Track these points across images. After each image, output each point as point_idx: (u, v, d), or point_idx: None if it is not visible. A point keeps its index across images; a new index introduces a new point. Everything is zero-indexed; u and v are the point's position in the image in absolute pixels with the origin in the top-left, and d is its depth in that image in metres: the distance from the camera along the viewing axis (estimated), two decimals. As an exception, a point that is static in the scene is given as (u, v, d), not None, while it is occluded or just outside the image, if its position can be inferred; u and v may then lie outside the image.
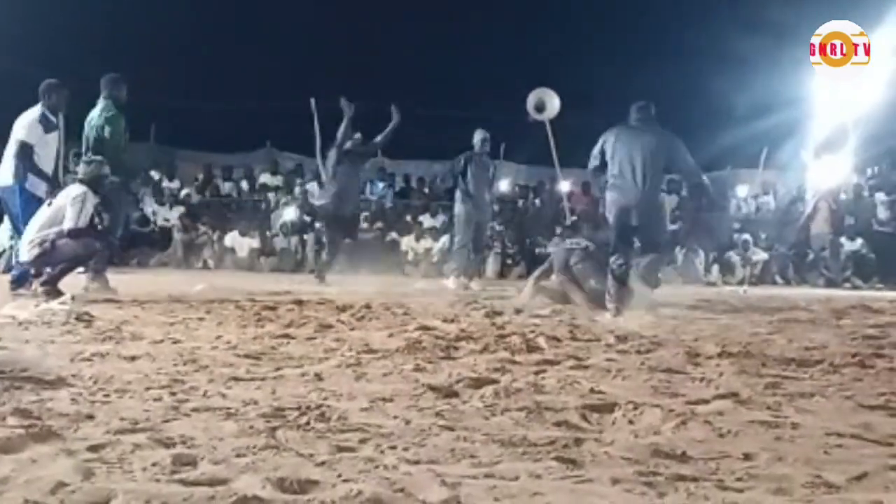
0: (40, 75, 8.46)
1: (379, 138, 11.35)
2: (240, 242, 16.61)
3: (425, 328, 5.52)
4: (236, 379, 3.53)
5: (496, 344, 4.82)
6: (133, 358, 4.02)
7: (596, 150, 7.70)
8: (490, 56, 19.48)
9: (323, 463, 2.25)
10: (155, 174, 18.03)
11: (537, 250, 15.71)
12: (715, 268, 15.74)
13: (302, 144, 18.38)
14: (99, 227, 8.33)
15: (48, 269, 7.57)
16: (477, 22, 20.74)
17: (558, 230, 15.63)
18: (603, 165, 7.66)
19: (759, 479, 2.18)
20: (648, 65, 19.01)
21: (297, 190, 18.05)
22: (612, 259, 7.49)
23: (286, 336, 5.04)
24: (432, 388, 3.34)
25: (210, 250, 16.62)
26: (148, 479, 2.08)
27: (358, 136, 11.20)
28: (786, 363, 4.33)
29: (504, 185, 18.37)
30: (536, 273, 9.26)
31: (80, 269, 8.07)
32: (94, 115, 8.53)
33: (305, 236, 16.81)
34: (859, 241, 16.17)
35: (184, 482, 2.04)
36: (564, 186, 17.28)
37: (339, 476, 2.12)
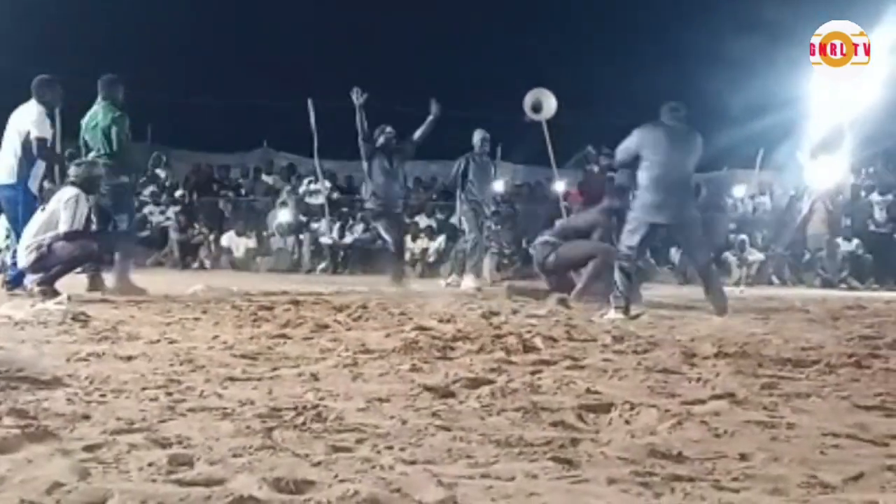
0: (35, 73, 8.45)
1: (417, 134, 10.99)
2: (236, 242, 16.62)
3: (422, 328, 5.51)
4: (233, 379, 3.53)
5: (493, 344, 4.82)
6: (129, 358, 4.02)
7: (631, 146, 7.63)
8: (487, 56, 19.49)
9: (319, 463, 2.25)
10: (161, 172, 18.02)
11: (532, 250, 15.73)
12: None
13: (299, 144, 18.37)
14: (96, 227, 8.35)
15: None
16: (474, 22, 20.75)
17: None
18: (632, 161, 7.67)
19: (755, 480, 2.19)
20: (645, 65, 19.04)
21: (287, 190, 18.05)
22: (624, 255, 7.50)
23: (283, 336, 5.04)
24: (429, 389, 3.33)
25: (206, 250, 16.63)
26: (144, 479, 2.08)
27: (390, 129, 10.89)
28: (782, 363, 4.33)
29: (500, 186, 18.37)
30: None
31: (78, 269, 8.08)
32: (98, 118, 8.49)
33: (301, 236, 16.82)
34: (856, 241, 16.19)
35: (180, 482, 2.04)
36: (560, 186, 17.28)
37: (336, 476, 2.12)
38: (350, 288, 9.95)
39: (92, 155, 8.40)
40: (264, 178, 19.28)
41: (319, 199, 17.46)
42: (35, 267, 7.57)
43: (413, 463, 2.27)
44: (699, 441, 2.61)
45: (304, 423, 2.70)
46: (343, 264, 16.14)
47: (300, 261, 16.47)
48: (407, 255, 16.32)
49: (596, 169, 11.51)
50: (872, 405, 3.26)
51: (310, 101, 16.53)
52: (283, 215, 17.23)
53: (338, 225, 16.95)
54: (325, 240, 16.64)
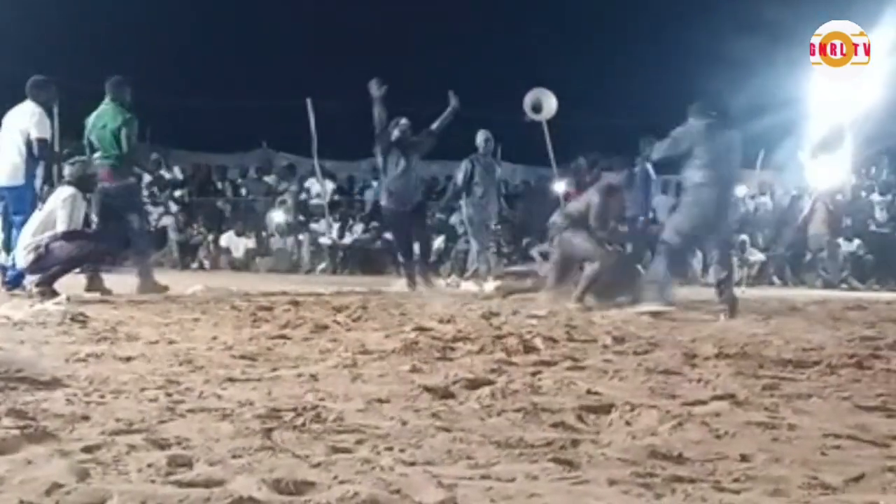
0: (33, 74, 8.46)
1: (435, 126, 10.30)
2: (235, 243, 16.60)
3: (422, 329, 5.51)
4: (232, 380, 3.52)
5: (493, 345, 4.81)
6: (128, 359, 4.01)
7: (681, 141, 7.57)
8: (487, 56, 19.49)
9: (319, 464, 2.24)
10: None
11: (532, 250, 15.72)
12: (712, 269, 15.73)
13: (298, 145, 18.36)
14: (103, 227, 8.40)
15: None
16: (474, 21, 20.75)
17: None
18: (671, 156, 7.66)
19: (755, 481, 2.18)
20: (646, 66, 19.04)
21: (287, 191, 18.04)
22: (671, 254, 7.51)
23: (282, 337, 5.04)
24: (428, 390, 3.33)
25: (205, 251, 16.62)
26: (143, 480, 2.07)
27: (405, 121, 10.21)
28: (783, 364, 4.33)
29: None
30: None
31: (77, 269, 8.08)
32: (107, 119, 8.52)
33: (301, 237, 16.81)
34: (857, 242, 16.18)
35: (179, 483, 2.04)
36: (560, 187, 17.26)
37: (335, 477, 2.11)
38: (350, 288, 9.94)
39: (98, 155, 8.44)
40: (264, 178, 19.28)
41: (319, 200, 17.46)
42: (34, 267, 7.56)
43: (413, 464, 2.27)
44: (700, 442, 2.60)
45: (303, 424, 2.69)
46: (343, 265, 16.12)
47: (300, 261, 16.46)
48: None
49: (588, 178, 11.50)
50: (873, 406, 3.26)
51: (309, 102, 16.53)
52: (283, 216, 17.22)
53: (337, 225, 16.94)
54: (324, 240, 16.64)
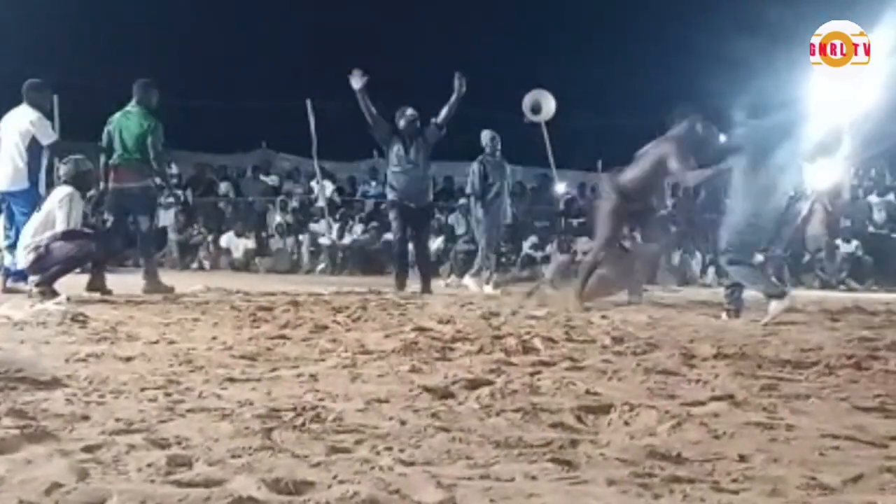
0: (33, 74, 8.49)
1: (441, 115, 9.74)
2: (235, 243, 16.62)
3: (421, 329, 5.51)
4: (232, 380, 3.53)
5: (492, 345, 4.82)
6: (128, 359, 4.02)
7: (742, 145, 7.55)
8: (486, 57, 19.49)
9: (318, 464, 2.25)
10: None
11: (529, 251, 15.74)
12: (711, 269, 15.75)
13: (298, 145, 18.37)
14: (114, 226, 8.48)
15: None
16: (473, 21, 20.76)
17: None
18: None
19: (754, 481, 2.18)
20: (645, 66, 19.05)
21: (287, 191, 18.06)
22: (747, 258, 7.53)
23: (282, 337, 5.04)
24: (428, 390, 3.33)
25: (205, 251, 16.63)
26: (143, 479, 2.08)
27: (411, 112, 9.72)
28: (781, 365, 4.33)
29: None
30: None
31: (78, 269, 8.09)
32: (132, 122, 8.59)
33: (301, 237, 16.82)
34: (855, 243, 16.19)
35: (179, 483, 2.04)
36: (560, 188, 17.30)
37: (335, 477, 2.12)
38: (349, 289, 9.94)
39: (118, 154, 8.52)
40: (263, 178, 19.29)
41: (319, 201, 17.48)
42: (34, 268, 7.57)
43: (412, 464, 2.27)
44: (698, 442, 2.61)
45: (303, 424, 2.69)
46: (342, 265, 16.13)
47: (299, 261, 16.47)
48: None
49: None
50: (871, 407, 3.26)
51: (308, 102, 16.55)
52: (283, 216, 17.24)
53: (337, 226, 16.95)
54: (324, 240, 16.65)
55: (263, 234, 17.08)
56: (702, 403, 3.24)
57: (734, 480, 2.19)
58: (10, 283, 8.16)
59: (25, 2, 14.87)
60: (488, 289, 10.69)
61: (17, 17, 14.02)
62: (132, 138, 8.52)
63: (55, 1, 16.18)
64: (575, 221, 16.16)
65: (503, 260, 15.76)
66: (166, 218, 16.35)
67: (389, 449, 2.42)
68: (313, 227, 17.12)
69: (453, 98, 9.57)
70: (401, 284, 9.87)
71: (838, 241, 16.15)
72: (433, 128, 9.78)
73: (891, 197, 17.76)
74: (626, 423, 2.87)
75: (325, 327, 5.68)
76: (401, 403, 3.10)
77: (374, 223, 16.73)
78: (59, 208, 7.59)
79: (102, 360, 3.98)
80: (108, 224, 8.86)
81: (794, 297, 7.24)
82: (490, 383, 3.53)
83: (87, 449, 2.32)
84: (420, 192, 9.88)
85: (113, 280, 8.48)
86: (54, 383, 3.27)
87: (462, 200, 18.16)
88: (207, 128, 18.49)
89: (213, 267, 16.05)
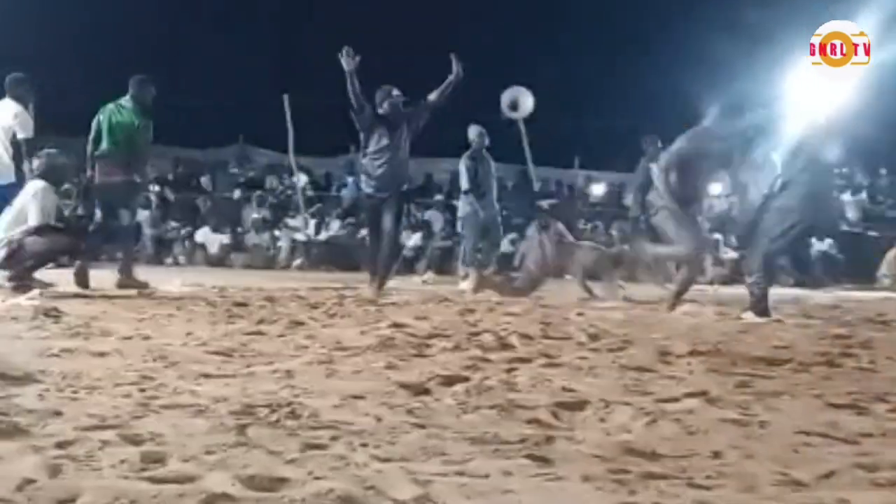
0: (8, 70, 8.44)
1: (433, 97, 8.79)
2: (211, 238, 16.53)
3: (397, 325, 5.51)
4: (206, 376, 3.51)
5: (468, 342, 4.82)
6: (102, 354, 3.99)
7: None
8: (464, 53, 19.47)
9: (293, 460, 2.24)
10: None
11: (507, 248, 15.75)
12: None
13: (275, 140, 18.31)
14: (101, 221, 8.46)
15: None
16: (452, 20, 20.74)
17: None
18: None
19: (728, 477, 2.20)
20: (625, 66, 19.11)
21: (263, 186, 18.00)
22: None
23: (257, 333, 5.02)
24: (404, 386, 3.33)
25: (180, 246, 16.53)
26: (116, 476, 2.06)
27: (397, 93, 8.82)
28: (755, 362, 4.36)
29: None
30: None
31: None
32: (124, 117, 8.56)
33: (277, 232, 16.76)
34: (829, 241, 16.33)
35: (152, 480, 2.03)
36: (537, 186, 17.33)
37: (310, 474, 2.11)
38: (326, 285, 9.92)
39: (105, 148, 8.49)
40: (239, 173, 19.20)
41: (295, 196, 17.43)
42: (8, 263, 7.50)
43: (388, 460, 2.27)
44: (673, 439, 2.62)
45: (278, 421, 2.68)
46: (318, 261, 16.09)
47: (275, 257, 16.42)
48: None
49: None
50: (844, 404, 3.29)
51: (285, 97, 16.49)
52: (258, 211, 17.17)
53: (313, 221, 16.91)
54: (300, 236, 16.60)
55: (239, 230, 17.01)
56: (676, 400, 3.26)
57: (708, 477, 2.20)
58: None
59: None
60: (465, 285, 10.69)
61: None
62: (121, 133, 8.51)
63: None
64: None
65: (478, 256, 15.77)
66: (141, 213, 16.25)
67: (365, 445, 2.41)
68: (289, 222, 17.07)
69: (449, 80, 8.70)
70: (380, 283, 8.84)
71: (812, 240, 16.27)
72: (422, 109, 8.87)
73: (863, 196, 17.93)
74: (602, 420, 2.88)
75: (301, 323, 5.66)
76: (377, 400, 3.09)
77: (351, 219, 16.70)
78: (32, 202, 7.53)
79: (76, 355, 3.95)
80: (96, 218, 8.82)
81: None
82: (466, 380, 3.54)
83: (60, 445, 2.30)
84: (396, 179, 8.87)
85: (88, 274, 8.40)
86: (27, 379, 3.23)
87: (438, 196, 18.18)
88: (184, 122, 18.37)
89: (189, 262, 15.96)
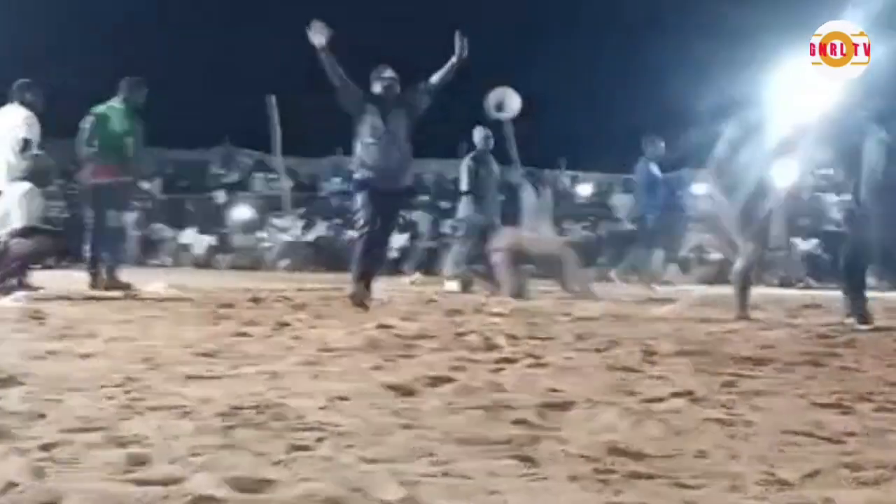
0: None
1: (434, 78, 7.77)
2: (197, 239, 16.49)
3: (384, 326, 5.50)
4: (192, 377, 3.50)
5: (455, 342, 4.82)
6: (87, 356, 3.97)
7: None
8: (448, 53, 19.47)
9: (279, 462, 2.23)
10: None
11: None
12: (673, 267, 15.87)
13: (261, 141, 18.25)
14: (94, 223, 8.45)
15: None
16: (433, 18, 20.73)
17: None
18: None
19: (713, 477, 2.20)
20: (609, 66, 19.15)
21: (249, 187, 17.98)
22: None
23: (243, 334, 5.01)
24: (390, 387, 3.33)
25: (166, 247, 16.49)
26: (101, 478, 2.05)
27: (389, 73, 7.80)
28: (741, 362, 4.37)
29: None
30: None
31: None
32: (114, 119, 8.58)
33: (264, 233, 16.74)
34: (813, 241, 16.41)
35: (137, 482, 2.02)
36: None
37: (296, 475, 2.11)
38: (312, 285, 9.90)
39: (95, 150, 8.51)
40: (225, 174, 19.16)
41: (281, 196, 17.41)
42: (-6, 266, 7.46)
43: (374, 461, 2.27)
44: (659, 439, 2.63)
45: (264, 422, 2.68)
46: (305, 262, 16.06)
47: (262, 258, 16.38)
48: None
49: None
50: (829, 403, 3.30)
51: (272, 98, 16.45)
52: (244, 212, 17.13)
53: (300, 222, 16.89)
54: (286, 237, 16.58)
55: (225, 231, 16.96)
56: (662, 400, 3.27)
57: (694, 476, 2.21)
58: None
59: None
60: (452, 285, 10.71)
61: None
62: (112, 136, 8.54)
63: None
64: None
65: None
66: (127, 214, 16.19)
67: (351, 446, 2.41)
68: (276, 223, 17.04)
69: (452, 61, 7.74)
70: (366, 286, 7.63)
71: (797, 240, 16.36)
72: (421, 92, 7.84)
73: (848, 196, 17.98)
74: (588, 420, 2.89)
75: (288, 324, 5.65)
76: (363, 401, 3.09)
77: (338, 220, 16.68)
78: (17, 204, 7.49)
79: (60, 357, 3.93)
80: (87, 221, 8.81)
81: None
82: (453, 380, 3.54)
83: (45, 447, 2.29)
84: (398, 171, 7.73)
85: (71, 277, 8.39)
86: (11, 381, 3.22)
87: (424, 197, 18.15)
88: (170, 123, 18.32)
89: (175, 263, 15.92)
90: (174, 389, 3.21)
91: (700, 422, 2.87)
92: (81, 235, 8.89)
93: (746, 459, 2.39)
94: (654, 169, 12.59)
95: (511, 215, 11.67)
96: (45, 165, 8.04)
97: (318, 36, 7.46)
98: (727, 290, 7.66)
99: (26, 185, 7.60)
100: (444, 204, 17.03)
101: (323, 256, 16.04)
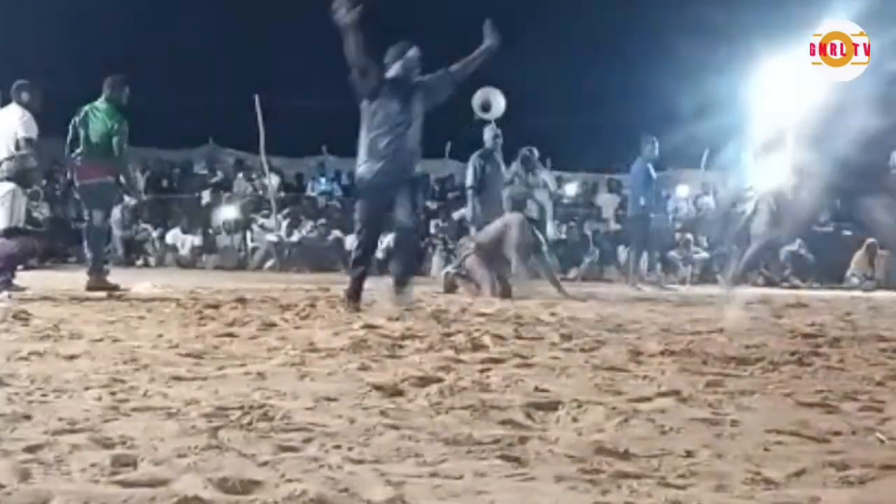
0: None
1: (457, 66, 7.18)
2: (182, 240, 16.46)
3: (370, 327, 5.50)
4: (178, 378, 3.48)
5: (441, 342, 4.82)
6: (72, 357, 3.95)
7: None
8: (435, 54, 19.47)
9: (266, 463, 2.22)
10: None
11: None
12: (658, 267, 15.93)
13: (246, 141, 18.22)
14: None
15: None
16: (417, 20, 20.72)
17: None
18: None
19: (699, 476, 2.21)
20: (593, 66, 19.19)
21: (234, 188, 17.93)
22: None
23: (229, 335, 5.00)
24: (377, 387, 3.32)
25: (151, 247, 16.44)
26: (86, 480, 2.04)
27: (413, 52, 7.05)
28: (726, 361, 4.38)
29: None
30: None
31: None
32: (98, 118, 8.58)
33: (248, 234, 16.71)
34: (798, 241, 16.48)
35: (123, 483, 2.01)
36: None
37: (283, 476, 2.10)
38: (298, 286, 9.88)
39: (81, 151, 8.52)
40: (210, 174, 19.10)
41: (266, 197, 17.38)
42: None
43: (361, 462, 2.26)
44: (645, 438, 2.63)
45: (250, 423, 2.67)
46: (290, 262, 16.04)
47: (247, 258, 16.35)
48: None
49: None
50: (814, 402, 3.31)
51: (257, 98, 16.42)
52: (229, 212, 17.09)
53: (285, 222, 16.86)
54: (271, 237, 16.55)
55: (210, 231, 16.92)
56: (648, 400, 3.27)
57: (680, 476, 2.21)
58: None
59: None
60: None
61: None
62: (97, 135, 8.56)
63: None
64: None
65: (452, 257, 15.79)
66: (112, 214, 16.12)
67: (338, 447, 2.40)
68: (261, 222, 17.01)
69: (482, 49, 7.13)
70: (355, 296, 7.17)
71: (782, 240, 16.42)
72: (443, 82, 7.16)
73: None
74: (575, 420, 2.89)
75: (273, 325, 5.64)
76: (350, 401, 3.09)
77: (323, 220, 16.66)
78: (0, 205, 7.45)
79: (45, 358, 3.91)
80: (85, 221, 8.84)
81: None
82: (439, 381, 3.53)
83: (29, 449, 2.27)
84: (409, 163, 7.05)
85: (55, 277, 8.34)
86: (-5, 382, 3.20)
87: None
88: (154, 123, 18.26)
89: (159, 264, 15.87)
90: (160, 390, 3.20)
91: (686, 421, 2.87)
92: (65, 236, 8.90)
93: (732, 459, 2.40)
94: (651, 170, 12.65)
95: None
96: (30, 166, 8.01)
97: (343, 12, 6.70)
98: (713, 290, 7.67)
99: (9, 186, 7.57)
100: (431, 204, 17.06)
101: (308, 257, 16.03)
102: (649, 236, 13.18)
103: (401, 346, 4.65)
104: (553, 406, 3.06)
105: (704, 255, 16.54)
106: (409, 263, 7.27)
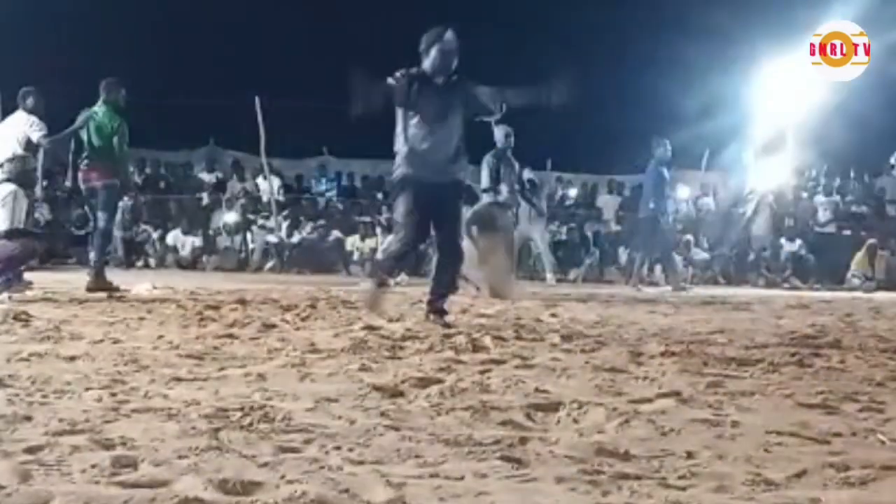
0: None
1: (511, 94, 6.76)
2: (182, 241, 16.44)
3: (371, 328, 5.49)
4: (178, 379, 3.48)
5: (442, 343, 4.82)
6: (72, 358, 3.95)
7: None
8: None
9: (266, 464, 2.23)
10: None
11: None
12: (658, 268, 15.92)
13: (246, 142, 18.20)
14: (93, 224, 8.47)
15: None
16: (420, 21, 20.71)
17: None
18: None
19: (700, 477, 2.21)
20: (595, 68, 19.16)
21: (234, 189, 17.93)
22: None
23: (229, 336, 4.99)
24: (377, 388, 3.32)
25: (151, 249, 16.43)
26: (87, 481, 2.04)
27: (450, 36, 6.49)
28: (727, 362, 4.39)
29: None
30: None
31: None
32: (99, 121, 8.64)
33: (248, 235, 16.70)
34: (798, 242, 16.50)
35: (124, 484, 2.01)
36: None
37: (283, 477, 2.10)
38: (298, 287, 9.88)
39: (84, 154, 8.61)
40: (210, 175, 19.10)
41: (266, 198, 17.38)
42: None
43: (361, 463, 2.26)
44: (646, 439, 2.63)
45: (251, 424, 2.67)
46: (291, 263, 16.04)
47: (247, 259, 16.35)
48: (356, 255, 16.23)
49: None
50: (814, 403, 3.32)
51: (257, 99, 16.43)
52: (230, 214, 17.09)
53: (286, 223, 16.86)
54: (272, 238, 16.55)
55: (210, 232, 16.92)
56: (649, 401, 3.27)
57: (681, 477, 2.21)
58: None
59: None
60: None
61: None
62: (99, 138, 8.65)
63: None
64: None
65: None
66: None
67: (339, 448, 2.41)
68: (262, 223, 17.02)
69: (541, 95, 6.79)
70: (378, 301, 6.73)
71: (783, 241, 16.44)
72: (494, 96, 6.70)
73: (836, 198, 18.10)
74: (575, 421, 2.89)
75: (274, 326, 5.64)
76: (350, 402, 3.09)
77: (323, 221, 16.67)
78: (2, 206, 7.45)
79: (45, 359, 3.91)
80: (94, 224, 8.89)
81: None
82: (440, 382, 3.53)
83: (30, 450, 2.27)
84: (447, 163, 6.44)
85: (55, 278, 8.35)
86: (-4, 383, 3.20)
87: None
88: (154, 124, 18.25)
89: (160, 265, 15.86)
90: (160, 391, 3.20)
91: (687, 422, 2.88)
92: (65, 238, 8.93)
93: (733, 460, 2.40)
94: (665, 172, 12.63)
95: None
96: (32, 168, 8.02)
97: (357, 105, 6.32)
98: (713, 291, 7.67)
99: (11, 187, 7.57)
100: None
101: (308, 258, 16.02)
102: (656, 239, 13.15)
103: (401, 347, 4.65)
104: (554, 407, 3.06)
105: (705, 255, 16.55)
106: (448, 286, 6.56)
